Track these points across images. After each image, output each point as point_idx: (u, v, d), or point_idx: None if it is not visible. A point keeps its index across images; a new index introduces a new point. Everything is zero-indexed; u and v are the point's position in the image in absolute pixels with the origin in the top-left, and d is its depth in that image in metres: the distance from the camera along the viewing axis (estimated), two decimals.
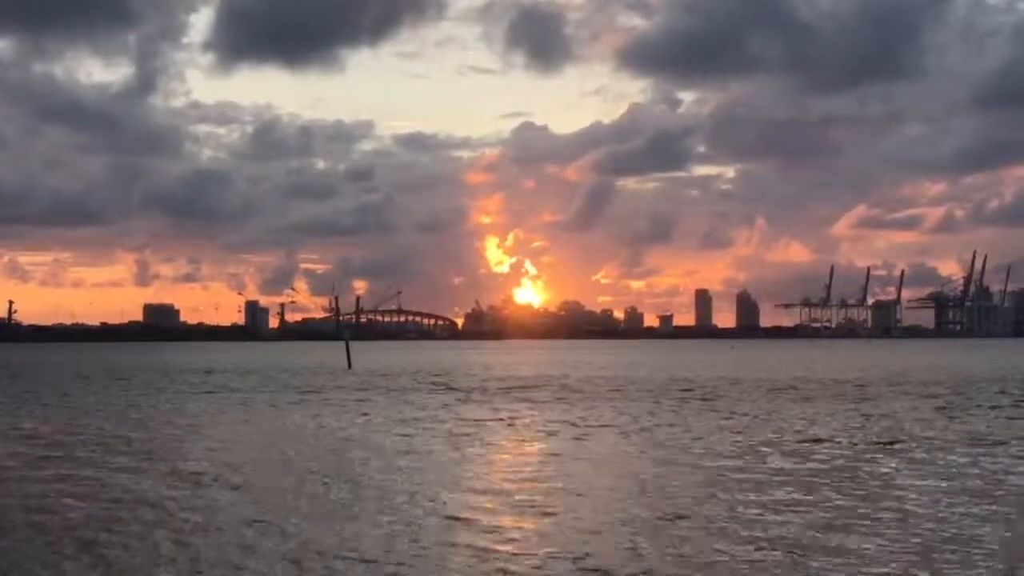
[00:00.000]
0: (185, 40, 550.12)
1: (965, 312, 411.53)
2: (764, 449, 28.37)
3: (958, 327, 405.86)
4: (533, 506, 19.57)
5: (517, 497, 20.54)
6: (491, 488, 21.84)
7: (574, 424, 36.73)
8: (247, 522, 18.26)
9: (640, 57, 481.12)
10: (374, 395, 55.21)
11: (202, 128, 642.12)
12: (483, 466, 25.77)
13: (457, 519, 18.26)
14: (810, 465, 25.00)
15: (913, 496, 20.21)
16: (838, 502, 19.60)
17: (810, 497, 20.14)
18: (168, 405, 49.18)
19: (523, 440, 31.87)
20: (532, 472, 24.35)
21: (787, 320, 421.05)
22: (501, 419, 39.09)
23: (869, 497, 20.15)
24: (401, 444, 30.60)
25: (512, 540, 16.48)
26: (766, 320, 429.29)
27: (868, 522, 17.61)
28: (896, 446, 28.82)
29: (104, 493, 21.75)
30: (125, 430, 36.03)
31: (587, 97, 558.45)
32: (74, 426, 37.84)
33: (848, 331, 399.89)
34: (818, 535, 16.58)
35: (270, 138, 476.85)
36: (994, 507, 19.02)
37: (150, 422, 39.52)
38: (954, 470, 23.93)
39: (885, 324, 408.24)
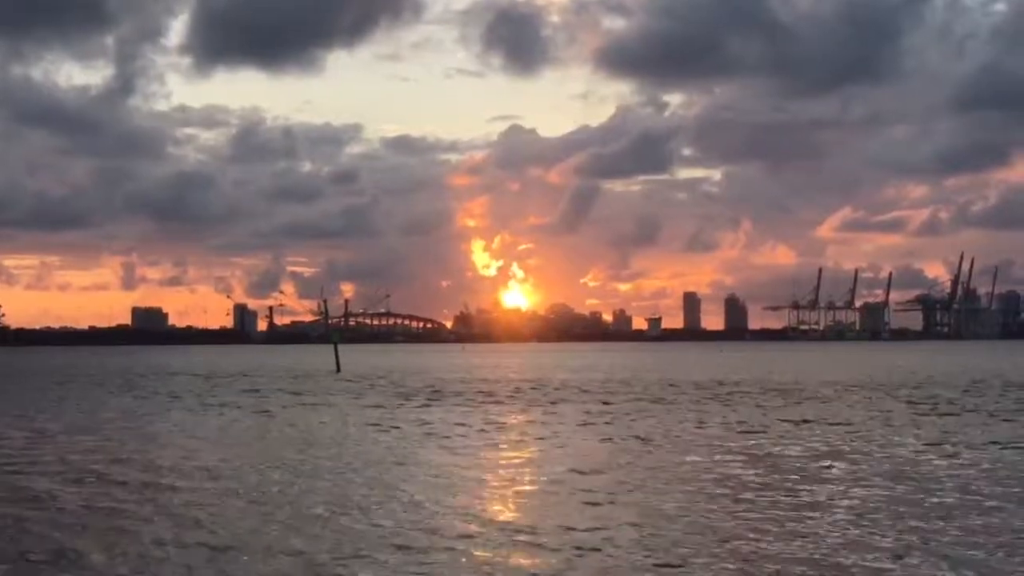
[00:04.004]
0: (164, 42, 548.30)
1: (952, 314, 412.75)
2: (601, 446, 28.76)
3: (945, 329, 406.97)
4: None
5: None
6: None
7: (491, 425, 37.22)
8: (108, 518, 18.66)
9: (622, 60, 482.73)
10: (341, 397, 55.81)
11: (187, 131, 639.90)
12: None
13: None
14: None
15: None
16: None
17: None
18: (115, 406, 49.51)
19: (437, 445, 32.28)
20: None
21: (775, 323, 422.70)
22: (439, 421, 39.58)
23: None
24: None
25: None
26: (754, 323, 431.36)
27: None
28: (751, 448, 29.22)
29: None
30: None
31: (574, 100, 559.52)
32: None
33: (836, 333, 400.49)
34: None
35: (255, 141, 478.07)
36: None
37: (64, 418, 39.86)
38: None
39: (873, 327, 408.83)
